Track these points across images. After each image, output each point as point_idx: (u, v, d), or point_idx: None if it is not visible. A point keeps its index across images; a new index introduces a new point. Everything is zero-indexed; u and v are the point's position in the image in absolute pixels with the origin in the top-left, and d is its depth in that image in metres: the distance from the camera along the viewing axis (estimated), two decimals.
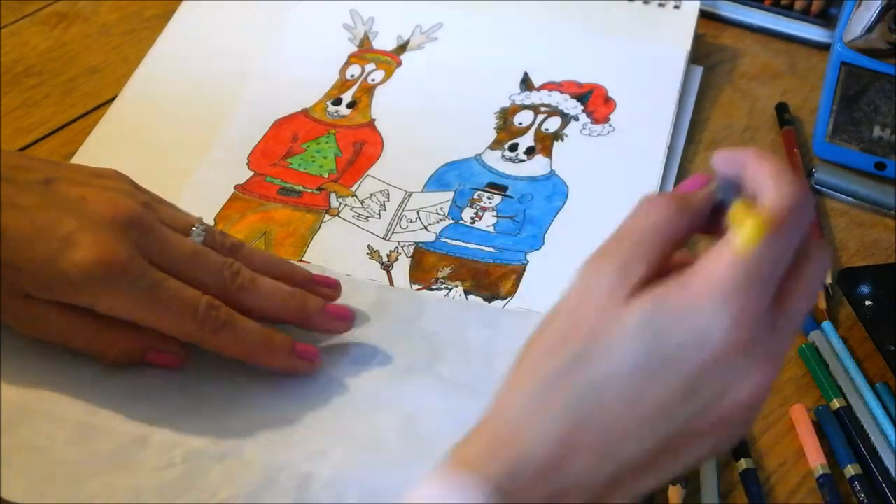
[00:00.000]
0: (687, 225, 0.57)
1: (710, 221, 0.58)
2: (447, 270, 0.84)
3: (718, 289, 0.54)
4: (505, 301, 0.82)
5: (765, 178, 0.56)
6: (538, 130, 0.93)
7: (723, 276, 0.54)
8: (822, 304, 0.83)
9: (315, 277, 0.79)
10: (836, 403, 0.77)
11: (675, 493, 0.72)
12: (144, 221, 0.72)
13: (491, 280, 0.83)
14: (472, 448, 0.55)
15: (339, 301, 0.78)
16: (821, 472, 0.74)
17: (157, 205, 0.75)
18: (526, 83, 0.97)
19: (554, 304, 0.57)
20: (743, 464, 0.74)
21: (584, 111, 0.95)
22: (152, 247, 0.72)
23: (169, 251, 0.72)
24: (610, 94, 0.96)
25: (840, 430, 0.76)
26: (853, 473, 0.74)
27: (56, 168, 0.75)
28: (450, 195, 0.89)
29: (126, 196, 0.73)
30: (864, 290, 0.82)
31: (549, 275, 0.81)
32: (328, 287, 0.78)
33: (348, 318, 0.77)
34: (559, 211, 0.88)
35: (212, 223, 0.86)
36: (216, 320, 0.72)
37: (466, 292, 0.82)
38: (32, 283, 0.70)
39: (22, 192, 0.71)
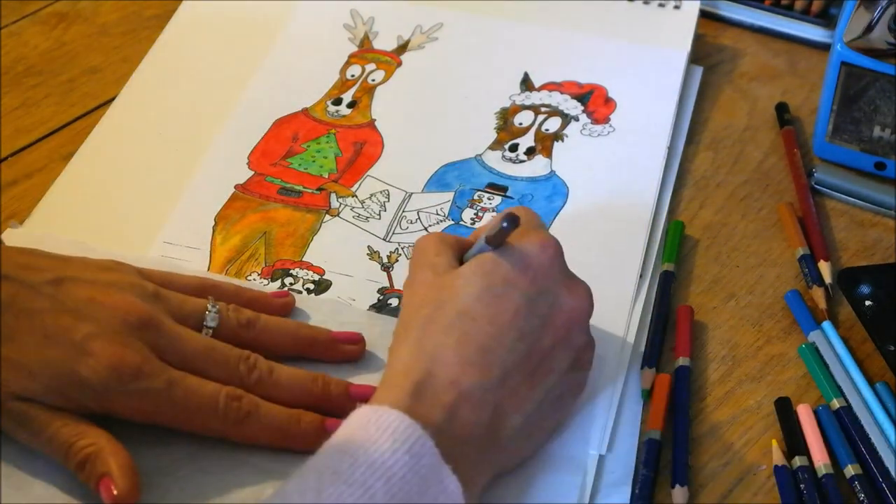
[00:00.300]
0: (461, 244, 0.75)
1: None
2: None
3: (519, 231, 0.71)
4: None
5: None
6: (538, 131, 0.93)
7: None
8: (823, 304, 0.83)
9: (337, 336, 0.78)
10: (836, 403, 0.77)
11: (678, 493, 0.72)
12: (154, 321, 0.71)
13: None
14: (378, 392, 0.68)
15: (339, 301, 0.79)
16: (824, 471, 0.74)
17: (166, 294, 0.74)
18: (526, 83, 0.97)
19: (405, 286, 0.74)
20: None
21: (584, 111, 0.95)
22: (165, 346, 0.71)
23: (182, 348, 0.72)
24: (610, 95, 0.96)
25: (840, 429, 0.76)
26: (853, 473, 0.74)
27: (63, 266, 0.73)
28: (450, 196, 0.89)
29: (133, 293, 0.72)
30: (864, 290, 0.82)
31: None
32: (351, 343, 0.78)
33: (370, 395, 0.73)
34: (559, 211, 0.88)
35: (212, 223, 0.86)
36: (239, 411, 0.71)
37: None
38: (47, 388, 0.69)
39: (32, 296, 0.70)
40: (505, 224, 0.70)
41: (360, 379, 0.76)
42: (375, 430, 0.63)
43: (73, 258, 0.75)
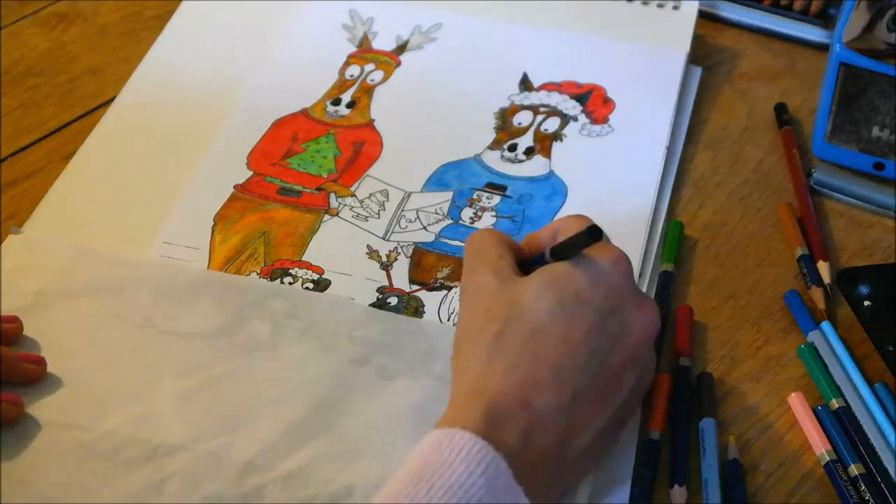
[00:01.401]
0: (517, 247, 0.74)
1: None
2: (446, 271, 0.84)
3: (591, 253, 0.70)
4: None
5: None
6: (537, 131, 0.93)
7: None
8: (822, 304, 0.83)
9: (20, 355, 0.76)
10: (834, 403, 0.77)
11: (677, 494, 0.73)
12: None
13: None
14: (449, 413, 0.66)
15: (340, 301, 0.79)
16: (827, 458, 0.74)
17: None
18: (525, 84, 0.97)
19: (461, 297, 0.72)
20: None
21: (583, 111, 0.95)
22: None
23: None
24: (609, 95, 0.96)
25: (841, 429, 0.76)
26: (856, 473, 0.74)
27: None
28: (449, 195, 0.89)
29: None
30: (863, 290, 0.82)
31: None
32: (34, 363, 0.76)
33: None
34: (558, 211, 0.88)
35: (211, 223, 0.86)
36: None
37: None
38: None
39: None
40: (586, 234, 0.69)
41: (369, 384, 0.76)
42: (449, 453, 0.63)
43: None
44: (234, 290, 0.81)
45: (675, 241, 0.86)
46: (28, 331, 0.78)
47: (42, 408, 0.75)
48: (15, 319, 0.78)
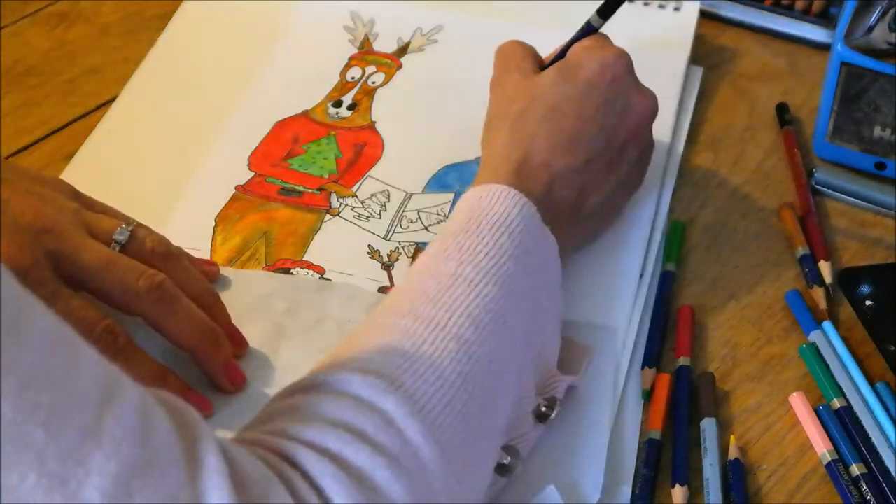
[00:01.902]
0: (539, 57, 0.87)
1: None
2: None
3: (593, 44, 0.84)
4: None
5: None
6: None
7: (588, 42, 0.84)
8: (823, 304, 0.83)
9: (230, 330, 0.76)
10: (836, 403, 0.77)
11: (678, 494, 0.72)
12: (58, 228, 0.70)
13: None
14: (481, 177, 0.78)
15: (340, 301, 0.79)
16: (829, 458, 0.74)
17: (86, 214, 0.73)
18: None
19: (490, 93, 0.84)
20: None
21: None
22: (64, 254, 0.70)
23: (79, 258, 0.70)
24: None
25: (843, 429, 0.76)
26: (858, 473, 0.74)
27: (2, 167, 0.73)
28: (450, 196, 0.89)
29: (51, 204, 0.71)
30: (865, 289, 0.82)
31: None
32: (238, 346, 0.77)
33: (240, 384, 0.75)
34: None
35: (212, 223, 0.86)
36: (112, 346, 0.69)
37: None
38: None
39: None
40: (590, 23, 0.84)
41: None
42: (489, 200, 0.73)
43: (15, 165, 0.75)
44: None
45: (677, 241, 0.86)
46: None
47: None
48: (214, 264, 0.82)
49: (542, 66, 0.85)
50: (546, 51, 0.99)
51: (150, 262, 0.73)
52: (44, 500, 0.47)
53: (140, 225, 0.76)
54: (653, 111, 0.83)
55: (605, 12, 0.85)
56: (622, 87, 0.82)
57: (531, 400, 0.72)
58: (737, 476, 0.74)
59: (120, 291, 0.71)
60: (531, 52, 0.85)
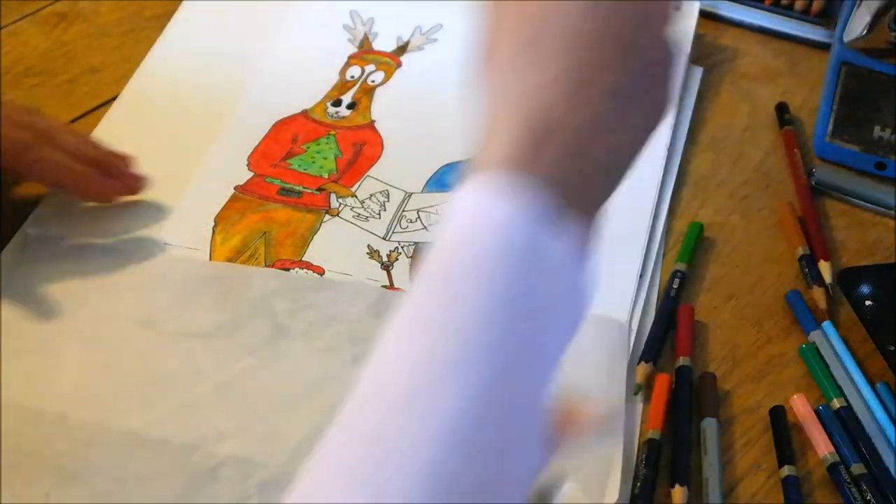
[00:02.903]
0: None
1: None
2: None
3: None
4: None
5: None
6: None
7: None
8: (823, 304, 0.83)
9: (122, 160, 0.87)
10: (836, 403, 0.77)
11: (678, 494, 0.72)
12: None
13: None
14: (484, 146, 0.56)
15: (341, 300, 0.79)
16: (831, 460, 0.74)
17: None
18: None
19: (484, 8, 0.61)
20: (786, 470, 0.75)
21: None
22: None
23: None
24: None
25: (843, 430, 0.76)
26: (857, 473, 0.74)
27: None
28: (450, 196, 0.89)
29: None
30: (865, 289, 0.82)
31: None
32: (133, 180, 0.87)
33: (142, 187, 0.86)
34: None
35: (212, 223, 0.86)
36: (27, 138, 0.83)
37: None
38: None
39: None
40: None
41: None
42: (480, 217, 0.53)
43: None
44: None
45: (692, 242, 0.86)
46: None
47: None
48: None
49: None
50: None
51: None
52: None
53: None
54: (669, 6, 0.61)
55: None
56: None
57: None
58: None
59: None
60: None
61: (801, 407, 0.77)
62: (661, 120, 0.60)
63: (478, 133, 0.57)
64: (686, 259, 0.85)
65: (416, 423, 0.49)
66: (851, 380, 0.78)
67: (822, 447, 0.75)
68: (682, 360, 0.79)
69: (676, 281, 0.83)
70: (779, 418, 0.76)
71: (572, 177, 0.55)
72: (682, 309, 0.82)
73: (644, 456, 0.74)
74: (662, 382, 0.78)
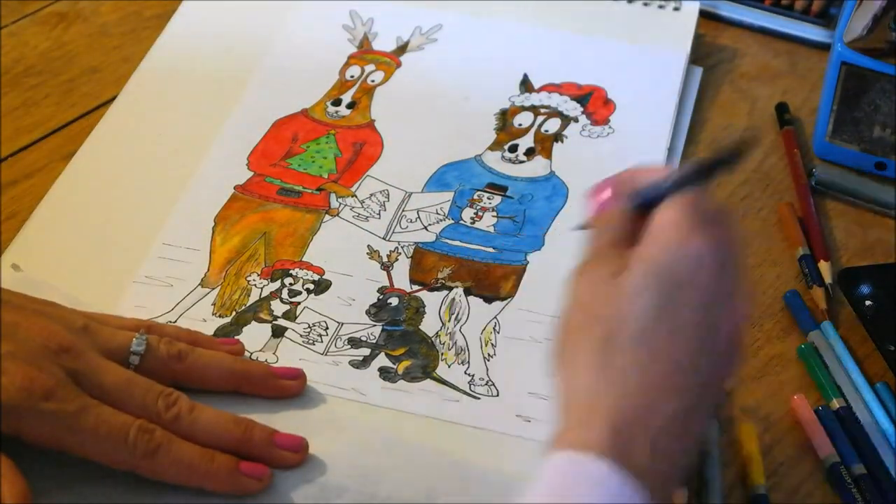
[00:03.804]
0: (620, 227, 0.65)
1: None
2: (447, 271, 0.84)
3: (684, 223, 0.62)
4: (505, 301, 0.82)
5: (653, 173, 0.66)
6: (538, 132, 0.93)
7: (679, 217, 0.62)
8: (823, 304, 0.83)
9: (275, 371, 0.76)
10: (835, 403, 0.77)
11: (678, 495, 0.72)
12: (75, 349, 0.70)
13: (491, 280, 0.83)
14: (568, 429, 0.60)
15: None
16: (832, 461, 0.74)
17: (95, 327, 0.73)
18: (525, 85, 0.97)
19: (562, 309, 0.64)
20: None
21: (583, 113, 0.95)
22: (83, 374, 0.69)
23: (100, 379, 0.70)
24: (610, 96, 0.96)
25: (843, 430, 0.76)
26: (858, 473, 0.74)
27: None
28: (450, 195, 0.89)
29: (59, 322, 0.71)
30: (864, 289, 0.82)
31: (550, 275, 0.81)
32: (290, 378, 0.76)
33: (300, 449, 0.72)
34: (560, 211, 0.88)
35: (211, 224, 0.86)
36: (149, 444, 0.69)
37: (466, 292, 0.82)
38: None
39: None
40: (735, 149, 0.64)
41: None
42: (576, 483, 0.57)
43: (7, 290, 0.73)
44: None
45: None
46: None
47: None
48: (236, 342, 0.78)
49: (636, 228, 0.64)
50: (546, 52, 0.99)
51: (168, 366, 0.73)
52: None
53: (150, 327, 0.75)
54: (748, 317, 0.66)
55: (716, 166, 0.64)
56: (722, 289, 0.62)
57: None
58: None
59: (142, 411, 0.70)
60: (626, 220, 0.65)
61: (801, 407, 0.77)
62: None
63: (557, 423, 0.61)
64: None
65: None
66: (851, 380, 0.78)
67: (823, 448, 0.75)
68: None
69: None
70: None
71: (655, 468, 0.58)
72: None
73: None
74: None
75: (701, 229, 0.62)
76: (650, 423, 0.59)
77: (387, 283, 0.83)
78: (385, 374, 0.78)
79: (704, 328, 0.61)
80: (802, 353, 0.80)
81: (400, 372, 0.78)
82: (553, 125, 0.94)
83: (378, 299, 0.82)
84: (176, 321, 0.80)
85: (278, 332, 0.80)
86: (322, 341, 0.79)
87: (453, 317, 0.81)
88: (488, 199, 0.88)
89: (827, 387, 0.78)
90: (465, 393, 0.77)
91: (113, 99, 0.95)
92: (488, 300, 0.82)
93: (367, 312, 0.81)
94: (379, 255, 0.84)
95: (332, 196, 0.88)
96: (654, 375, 0.60)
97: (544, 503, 0.57)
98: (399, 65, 0.98)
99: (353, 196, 0.88)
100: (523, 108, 0.95)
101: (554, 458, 0.58)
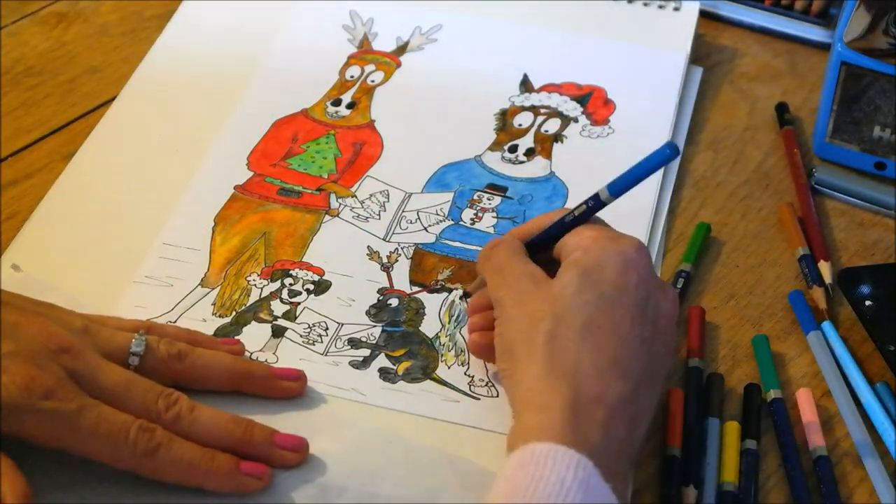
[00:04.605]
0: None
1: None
2: (447, 272, 0.84)
3: (602, 235, 0.72)
4: None
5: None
6: (538, 132, 0.93)
7: (594, 233, 0.73)
8: (823, 304, 0.83)
9: (276, 372, 0.76)
10: (771, 394, 0.77)
11: (690, 494, 0.72)
12: (75, 348, 0.70)
13: None
14: (525, 421, 0.67)
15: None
16: (818, 454, 0.74)
17: (95, 329, 0.73)
18: (525, 85, 0.97)
19: (498, 311, 0.72)
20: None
21: (583, 113, 0.95)
22: (84, 374, 0.69)
23: (100, 379, 0.70)
24: (610, 96, 0.96)
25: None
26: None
27: None
28: (450, 196, 0.89)
29: (59, 323, 0.71)
30: (864, 289, 0.82)
31: None
32: (291, 380, 0.76)
33: (300, 449, 0.72)
34: None
35: (211, 224, 0.86)
36: (149, 443, 0.68)
37: (466, 294, 0.82)
38: None
39: None
40: (590, 204, 0.73)
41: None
42: (536, 467, 0.63)
43: (8, 291, 0.73)
44: None
45: (698, 242, 0.86)
46: None
47: None
48: (237, 342, 0.78)
49: (529, 249, 0.75)
50: (546, 53, 0.99)
51: (168, 366, 0.73)
52: None
53: (149, 327, 0.75)
54: (677, 310, 0.73)
55: (621, 189, 0.73)
56: (647, 289, 0.71)
57: None
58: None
59: (142, 411, 0.70)
60: (522, 250, 0.74)
61: (804, 401, 0.77)
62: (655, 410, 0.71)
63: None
64: (692, 259, 0.85)
65: None
66: (851, 380, 0.78)
67: (815, 439, 0.75)
68: (691, 362, 0.79)
69: (681, 281, 0.83)
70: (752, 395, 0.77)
71: (606, 451, 0.65)
72: (692, 310, 0.82)
73: (665, 473, 0.73)
74: (677, 398, 0.77)
75: (617, 238, 0.72)
76: (600, 407, 0.66)
77: (387, 284, 0.83)
78: (385, 374, 0.78)
79: (640, 317, 0.69)
80: (754, 343, 0.81)
81: (400, 373, 0.78)
82: (553, 125, 0.94)
83: (378, 300, 0.82)
84: (176, 321, 0.80)
85: (278, 333, 0.80)
86: (322, 342, 0.79)
87: (453, 319, 0.81)
88: (488, 199, 0.88)
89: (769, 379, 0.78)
90: (466, 394, 0.77)
91: (113, 99, 0.95)
92: None
93: (367, 313, 0.81)
94: (379, 256, 0.84)
95: (332, 196, 0.88)
96: (600, 365, 0.67)
97: (505, 494, 0.62)
98: (399, 65, 0.98)
99: (353, 196, 0.88)
100: (523, 109, 0.95)
101: (512, 456, 0.64)
